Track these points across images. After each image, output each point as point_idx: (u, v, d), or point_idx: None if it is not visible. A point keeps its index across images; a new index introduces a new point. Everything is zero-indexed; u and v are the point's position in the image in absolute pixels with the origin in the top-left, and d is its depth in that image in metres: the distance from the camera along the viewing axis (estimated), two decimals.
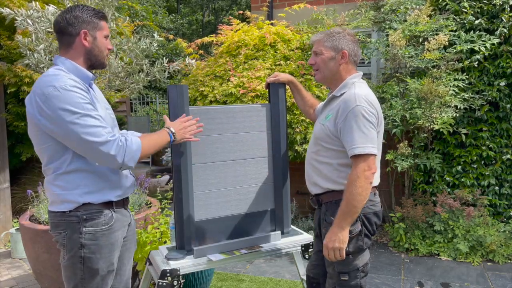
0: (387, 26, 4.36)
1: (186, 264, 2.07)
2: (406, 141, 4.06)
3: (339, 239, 1.80)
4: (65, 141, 1.64)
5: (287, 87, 2.35)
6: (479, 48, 3.99)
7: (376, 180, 1.95)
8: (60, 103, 1.58)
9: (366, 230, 1.90)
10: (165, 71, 3.52)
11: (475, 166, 4.32)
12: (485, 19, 4.14)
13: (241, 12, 5.38)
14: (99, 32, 1.75)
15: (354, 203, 1.77)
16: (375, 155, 1.80)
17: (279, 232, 2.33)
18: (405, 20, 4.23)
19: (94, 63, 1.78)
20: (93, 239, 1.73)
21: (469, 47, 4.00)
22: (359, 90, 1.85)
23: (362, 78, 2.00)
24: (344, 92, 1.90)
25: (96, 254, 1.74)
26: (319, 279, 2.12)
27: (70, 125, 1.58)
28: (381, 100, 4.32)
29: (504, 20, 4.04)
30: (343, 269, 1.89)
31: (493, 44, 3.99)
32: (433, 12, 4.27)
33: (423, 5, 4.24)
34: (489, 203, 4.23)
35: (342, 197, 1.81)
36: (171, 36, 5.66)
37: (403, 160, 3.97)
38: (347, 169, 1.85)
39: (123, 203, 1.87)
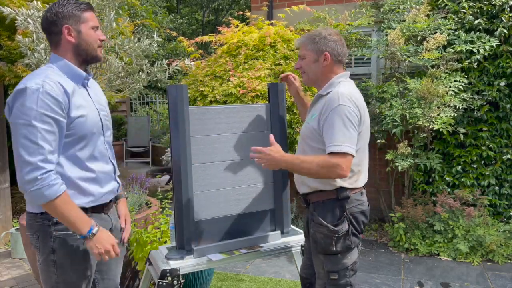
0: (385, 26, 4.37)
1: (186, 264, 2.07)
2: (406, 141, 4.07)
3: (276, 163, 1.88)
4: None
5: (286, 87, 2.35)
6: (477, 50, 3.99)
7: (363, 180, 1.97)
8: (22, 102, 1.51)
9: (353, 229, 1.91)
10: (165, 71, 3.52)
11: (475, 166, 4.32)
12: (484, 19, 4.14)
13: (241, 12, 5.37)
14: (83, 24, 1.66)
15: (303, 171, 1.86)
16: (352, 155, 1.79)
17: (278, 232, 2.33)
18: (404, 20, 4.24)
19: (85, 57, 1.70)
20: (64, 244, 1.65)
21: (468, 47, 4.01)
22: (343, 89, 1.86)
23: (350, 77, 2.00)
24: (329, 91, 1.91)
25: (68, 259, 1.66)
26: (311, 279, 2.13)
27: (16, 126, 1.51)
28: (381, 100, 4.33)
29: (504, 20, 4.04)
30: (332, 268, 1.90)
31: (492, 46, 3.99)
32: (431, 12, 4.27)
33: (422, 3, 4.25)
34: (489, 203, 4.23)
35: (312, 162, 1.82)
36: (174, 33, 5.64)
37: (403, 159, 3.97)
38: None
39: (102, 208, 1.78)
